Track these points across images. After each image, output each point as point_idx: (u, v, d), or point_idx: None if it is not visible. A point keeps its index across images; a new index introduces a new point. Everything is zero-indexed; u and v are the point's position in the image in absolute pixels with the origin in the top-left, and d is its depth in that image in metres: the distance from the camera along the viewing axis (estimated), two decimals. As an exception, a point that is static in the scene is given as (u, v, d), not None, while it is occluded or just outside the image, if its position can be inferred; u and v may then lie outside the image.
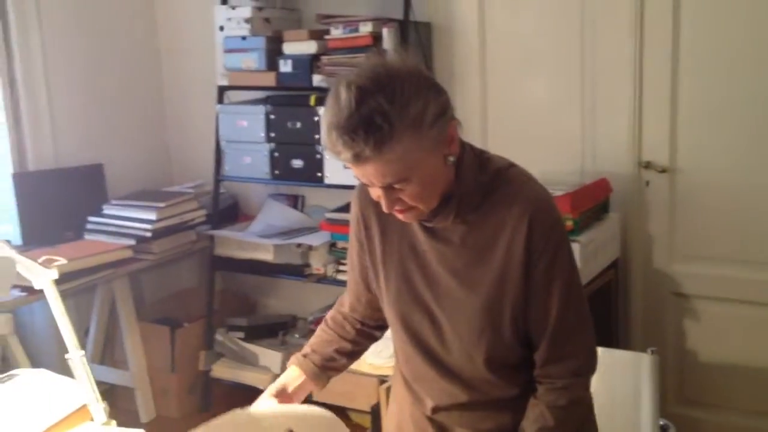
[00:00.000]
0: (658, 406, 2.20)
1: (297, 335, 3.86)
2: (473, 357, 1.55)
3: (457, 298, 1.53)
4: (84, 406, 1.82)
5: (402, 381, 1.73)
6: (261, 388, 3.63)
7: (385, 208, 1.46)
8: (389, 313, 1.65)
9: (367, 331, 1.82)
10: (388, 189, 1.42)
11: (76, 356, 1.84)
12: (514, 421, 1.57)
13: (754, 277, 3.07)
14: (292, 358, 1.79)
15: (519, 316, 1.51)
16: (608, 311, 3.18)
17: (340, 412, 3.57)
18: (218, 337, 3.90)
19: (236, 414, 1.54)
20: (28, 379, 1.94)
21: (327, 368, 1.78)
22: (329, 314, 1.85)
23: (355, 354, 1.82)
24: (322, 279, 3.62)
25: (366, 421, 3.50)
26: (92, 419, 1.83)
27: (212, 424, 1.48)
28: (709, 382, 3.24)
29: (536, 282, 1.49)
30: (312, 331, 3.65)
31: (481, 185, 1.50)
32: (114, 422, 1.86)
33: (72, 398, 1.83)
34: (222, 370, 3.83)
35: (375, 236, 1.63)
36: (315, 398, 3.63)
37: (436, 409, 1.64)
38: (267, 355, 3.76)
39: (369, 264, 1.66)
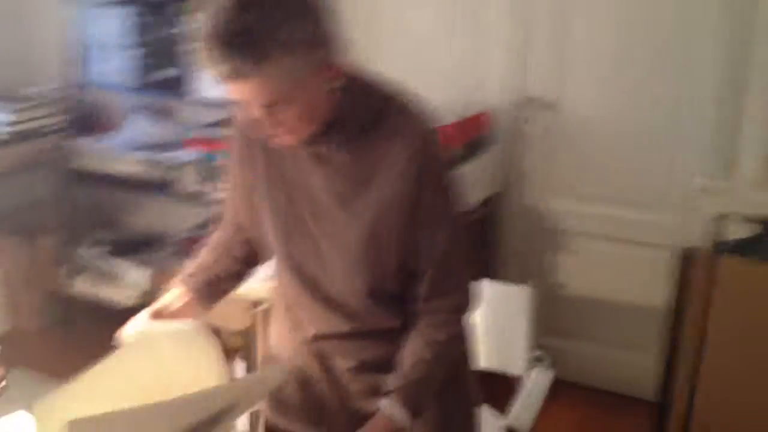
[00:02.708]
0: (534, 338, 2.25)
1: (164, 253, 3.73)
2: (354, 286, 1.51)
3: (340, 226, 1.48)
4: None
5: (282, 307, 1.69)
6: (125, 304, 3.57)
7: (262, 130, 1.39)
8: (271, 239, 1.58)
9: (254, 254, 1.73)
10: (263, 110, 1.35)
11: None
12: (394, 352, 1.54)
13: (623, 215, 3.18)
14: (175, 279, 1.68)
15: (402, 249, 1.48)
16: (483, 244, 3.21)
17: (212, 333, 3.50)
18: (80, 251, 3.76)
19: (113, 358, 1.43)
20: None
21: (212, 289, 1.68)
22: (213, 236, 1.75)
23: (241, 276, 1.74)
24: (191, 197, 3.47)
25: (236, 343, 3.43)
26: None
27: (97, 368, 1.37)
28: (576, 315, 3.37)
29: (420, 216, 1.46)
30: (181, 250, 3.56)
31: (368, 113, 1.45)
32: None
33: None
34: (83, 286, 3.70)
35: (258, 158, 1.55)
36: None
37: (315, 337, 1.61)
38: (133, 272, 3.65)
39: (250, 186, 1.59)
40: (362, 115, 1.44)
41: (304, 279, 1.55)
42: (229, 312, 3.22)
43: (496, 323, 2.23)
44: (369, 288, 1.50)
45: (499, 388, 2.17)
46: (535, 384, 2.14)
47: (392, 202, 1.43)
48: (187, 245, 3.59)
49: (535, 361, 2.23)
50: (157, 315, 1.57)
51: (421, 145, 1.43)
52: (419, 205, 1.44)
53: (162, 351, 1.48)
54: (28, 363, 1.76)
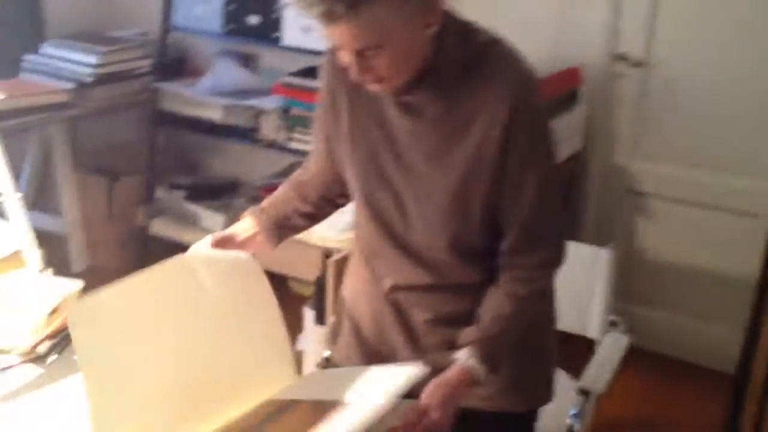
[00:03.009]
0: (611, 302, 2.20)
1: (242, 199, 3.77)
2: (437, 239, 1.49)
3: (426, 178, 1.45)
4: (17, 252, 1.70)
5: (360, 257, 1.66)
6: None
7: (353, 76, 1.35)
8: (353, 189, 1.57)
9: (330, 199, 1.72)
10: (359, 55, 1.31)
11: (12, 198, 1.70)
12: (473, 307, 1.51)
13: (712, 180, 3.07)
14: (247, 212, 1.68)
15: (489, 203, 1.44)
16: (563, 204, 3.15)
17: (280, 279, 3.55)
18: (159, 193, 3.82)
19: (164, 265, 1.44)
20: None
21: (283, 226, 1.67)
22: (293, 175, 1.74)
23: (314, 218, 1.73)
24: (272, 145, 3.49)
25: (306, 291, 3.47)
26: (25, 266, 1.72)
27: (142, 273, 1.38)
28: (655, 282, 3.28)
29: (512, 169, 1.41)
30: (257, 198, 3.59)
31: (464, 60, 1.39)
32: (50, 270, 1.75)
33: (5, 242, 1.70)
34: (161, 227, 3.77)
35: (343, 107, 1.52)
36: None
37: (394, 288, 1.58)
38: (209, 217, 3.70)
39: (334, 135, 1.56)
40: (459, 63, 1.39)
41: (385, 230, 1.53)
42: (300, 260, 3.25)
43: (573, 284, 2.17)
44: (451, 242, 1.47)
45: (571, 350, 2.13)
46: (610, 348, 2.10)
47: (484, 155, 1.39)
48: (264, 193, 3.63)
49: (611, 325, 2.18)
50: (221, 243, 1.56)
51: (521, 94, 1.37)
52: (511, 157, 1.39)
53: (204, 277, 1.47)
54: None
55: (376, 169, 1.49)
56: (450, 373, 1.43)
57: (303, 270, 3.36)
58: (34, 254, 1.71)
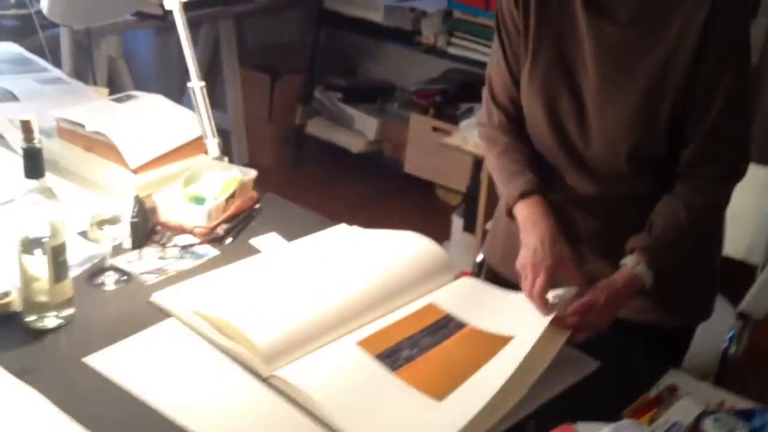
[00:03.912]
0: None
1: (396, 104, 3.79)
2: (615, 149, 1.45)
3: (613, 83, 1.41)
4: (199, 138, 1.80)
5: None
6: (352, 150, 3.73)
7: None
8: (532, 95, 1.52)
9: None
10: None
11: (196, 86, 1.79)
12: (642, 217, 1.47)
13: None
14: (522, 201, 1.54)
15: (678, 107, 1.39)
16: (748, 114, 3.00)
17: (428, 186, 3.59)
18: (316, 93, 3.88)
19: None
20: (144, 102, 1.90)
21: (541, 179, 1.56)
22: (501, 141, 1.60)
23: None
24: (431, 49, 3.48)
25: (453, 200, 3.50)
26: (206, 152, 1.81)
27: None
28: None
29: (705, 72, 1.36)
30: (411, 103, 3.61)
31: None
32: (227, 159, 1.85)
33: (188, 128, 1.79)
34: (316, 127, 3.85)
35: (531, 9, 1.48)
36: (406, 170, 3.61)
37: (560, 196, 1.56)
38: (363, 120, 3.75)
39: (522, 32, 1.51)
40: None
41: (560, 140, 1.50)
42: (451, 168, 3.25)
43: (736, 205, 2.10)
44: (631, 152, 1.44)
45: (730, 275, 2.07)
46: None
47: (677, 55, 1.35)
48: (419, 98, 3.64)
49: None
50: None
51: None
52: (706, 59, 1.35)
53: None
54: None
55: (561, 73, 1.47)
56: (618, 277, 1.41)
57: (452, 178, 3.38)
58: (213, 142, 1.81)
